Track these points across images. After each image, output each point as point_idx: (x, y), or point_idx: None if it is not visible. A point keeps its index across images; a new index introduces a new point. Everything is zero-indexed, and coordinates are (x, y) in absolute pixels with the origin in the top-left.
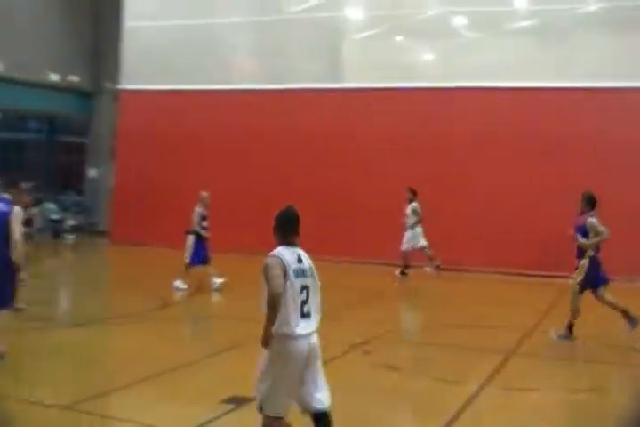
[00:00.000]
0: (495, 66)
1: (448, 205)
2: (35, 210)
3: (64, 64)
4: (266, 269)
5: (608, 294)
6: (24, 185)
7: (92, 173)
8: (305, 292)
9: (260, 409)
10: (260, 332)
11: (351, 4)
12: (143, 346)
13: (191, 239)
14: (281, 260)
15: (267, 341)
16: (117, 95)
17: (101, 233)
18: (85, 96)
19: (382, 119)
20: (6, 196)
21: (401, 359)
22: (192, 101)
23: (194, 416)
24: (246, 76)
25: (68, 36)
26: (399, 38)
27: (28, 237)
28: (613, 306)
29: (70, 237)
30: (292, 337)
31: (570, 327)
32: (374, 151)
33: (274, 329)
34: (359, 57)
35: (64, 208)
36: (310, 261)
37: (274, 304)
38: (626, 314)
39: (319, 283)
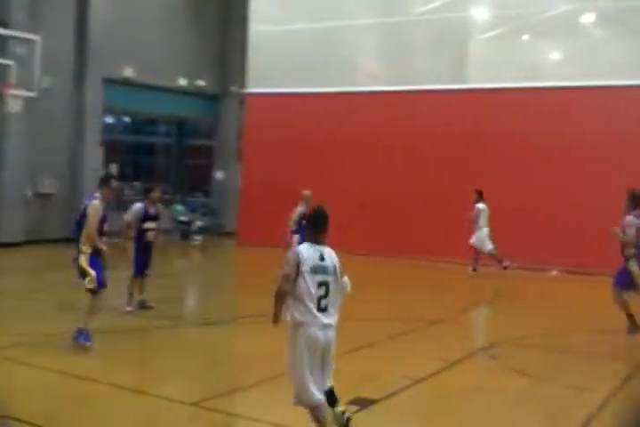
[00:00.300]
0: (623, 64)
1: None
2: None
3: (192, 69)
4: (285, 263)
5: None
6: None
7: (219, 175)
8: (324, 288)
9: (297, 402)
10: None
11: (477, 3)
12: (270, 345)
13: (297, 238)
14: (297, 256)
15: (275, 320)
16: (243, 98)
17: (228, 234)
18: (212, 100)
19: (508, 119)
20: (96, 194)
21: (529, 364)
22: (317, 104)
23: None
24: (371, 78)
25: (196, 41)
26: (525, 37)
27: (156, 232)
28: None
29: (198, 239)
30: (309, 326)
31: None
32: (501, 151)
33: (292, 319)
34: (485, 57)
35: (192, 210)
36: (336, 260)
37: (277, 296)
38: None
39: (344, 282)
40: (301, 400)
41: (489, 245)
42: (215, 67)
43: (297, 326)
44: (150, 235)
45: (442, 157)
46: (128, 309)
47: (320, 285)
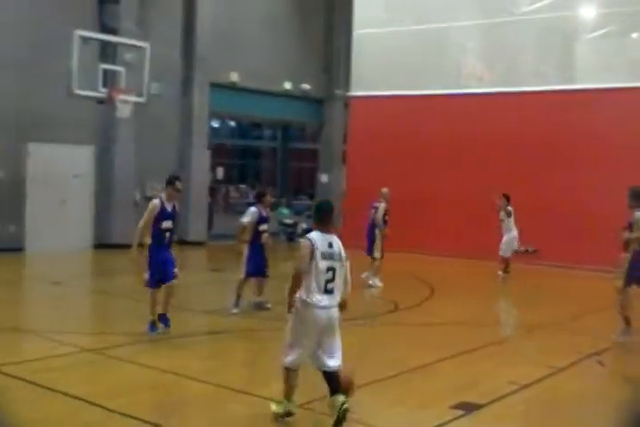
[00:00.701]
0: None
1: None
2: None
3: (297, 73)
4: (298, 249)
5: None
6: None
7: (323, 178)
8: (331, 272)
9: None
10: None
11: (583, 2)
12: (375, 348)
13: (379, 236)
14: (311, 242)
15: (289, 307)
16: (348, 102)
17: None
18: (317, 103)
19: (617, 120)
20: (162, 194)
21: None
22: (421, 106)
23: (422, 421)
24: (475, 80)
25: (301, 45)
26: (635, 35)
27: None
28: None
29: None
30: (313, 306)
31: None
32: (608, 155)
33: (300, 297)
34: (591, 57)
35: (297, 212)
36: (342, 248)
37: (294, 279)
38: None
39: (346, 266)
40: (283, 359)
41: (513, 248)
42: (320, 70)
43: (303, 304)
44: (265, 237)
45: (550, 159)
46: (234, 311)
47: (328, 269)
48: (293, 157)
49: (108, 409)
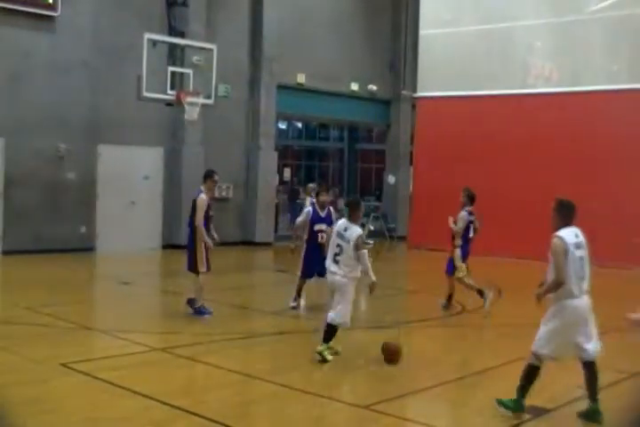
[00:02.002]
0: None
1: None
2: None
3: (364, 74)
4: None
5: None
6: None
7: (390, 179)
8: (339, 248)
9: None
10: None
11: None
12: (443, 350)
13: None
14: (336, 225)
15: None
16: (415, 103)
17: (399, 238)
18: (384, 104)
19: None
20: (202, 187)
21: None
22: (489, 107)
23: (488, 424)
24: (543, 80)
25: (368, 46)
26: None
27: (326, 234)
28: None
29: (370, 242)
30: (328, 271)
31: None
32: None
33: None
34: None
35: (364, 214)
36: (355, 236)
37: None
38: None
39: (361, 253)
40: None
41: None
42: (387, 71)
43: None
44: (321, 237)
45: (623, 159)
46: (292, 304)
47: (337, 246)
48: (360, 158)
49: (177, 408)
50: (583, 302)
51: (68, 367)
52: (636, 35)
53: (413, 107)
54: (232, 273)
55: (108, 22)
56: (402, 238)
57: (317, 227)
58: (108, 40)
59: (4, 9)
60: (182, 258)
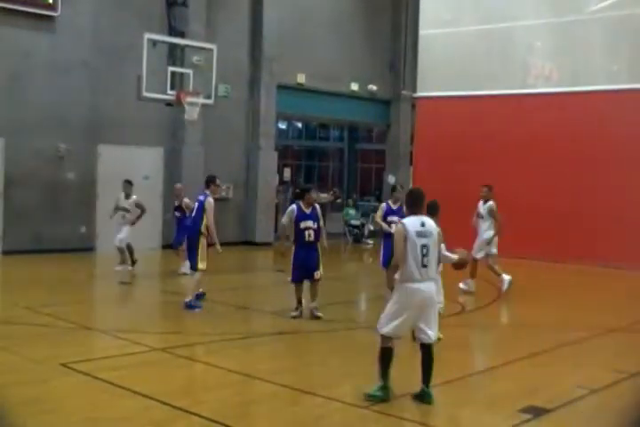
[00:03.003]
0: None
1: None
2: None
3: (363, 74)
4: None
5: None
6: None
7: (390, 179)
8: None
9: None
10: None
11: None
12: (443, 350)
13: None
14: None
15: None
16: (415, 103)
17: None
18: (384, 104)
19: None
20: (207, 191)
21: None
22: (489, 107)
23: (489, 424)
24: (543, 80)
25: (368, 46)
26: None
27: (314, 231)
28: None
29: (370, 242)
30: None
31: None
32: None
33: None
34: None
35: (364, 214)
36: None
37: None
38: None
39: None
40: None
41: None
42: (387, 71)
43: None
44: (308, 234)
45: (622, 159)
46: (293, 314)
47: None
48: (360, 158)
49: (177, 408)
50: (424, 286)
51: (68, 367)
52: (636, 35)
53: (413, 107)
54: (232, 273)
55: (107, 22)
56: None
57: (303, 224)
58: (108, 40)
59: (3, 9)
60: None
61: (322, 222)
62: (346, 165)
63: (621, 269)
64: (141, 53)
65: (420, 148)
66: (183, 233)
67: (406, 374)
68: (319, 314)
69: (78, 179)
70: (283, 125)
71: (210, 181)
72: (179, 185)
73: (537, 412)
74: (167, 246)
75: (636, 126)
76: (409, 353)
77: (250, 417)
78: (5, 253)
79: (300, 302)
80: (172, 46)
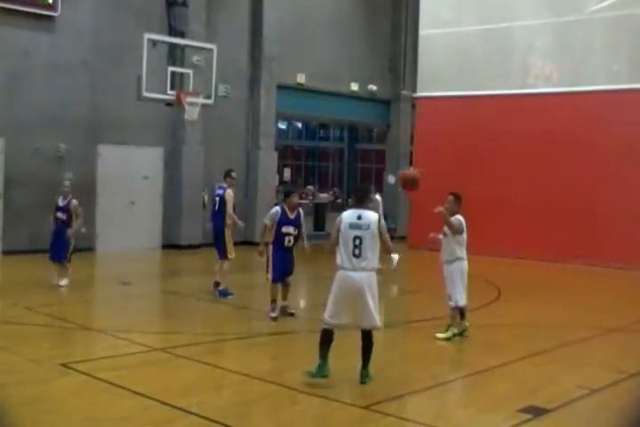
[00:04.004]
0: None
1: None
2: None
3: (364, 74)
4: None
5: None
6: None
7: (390, 179)
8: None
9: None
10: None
11: None
12: (443, 350)
13: None
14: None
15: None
16: (415, 102)
17: (400, 238)
18: (384, 104)
19: None
20: (224, 184)
21: None
22: (490, 106)
23: (489, 424)
24: (543, 79)
25: (368, 46)
26: None
27: (294, 237)
28: None
29: None
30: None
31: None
32: None
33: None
34: None
35: None
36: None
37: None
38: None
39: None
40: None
41: None
42: (387, 71)
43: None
44: (288, 240)
45: (622, 159)
46: (272, 315)
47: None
48: (360, 158)
49: (177, 408)
50: (356, 275)
51: (68, 367)
52: (636, 35)
53: (413, 107)
54: (232, 273)
55: (107, 22)
56: (402, 238)
57: (285, 229)
58: (108, 40)
59: (3, 9)
60: (182, 258)
61: (304, 229)
62: (346, 165)
63: (622, 269)
64: (141, 53)
65: (420, 148)
66: (64, 243)
67: (406, 374)
68: (292, 311)
69: (78, 179)
70: (283, 125)
71: (226, 175)
72: (68, 182)
73: (537, 412)
74: (167, 246)
75: (636, 126)
76: (409, 355)
77: (250, 417)
78: (5, 253)
79: (275, 301)
80: (172, 46)
